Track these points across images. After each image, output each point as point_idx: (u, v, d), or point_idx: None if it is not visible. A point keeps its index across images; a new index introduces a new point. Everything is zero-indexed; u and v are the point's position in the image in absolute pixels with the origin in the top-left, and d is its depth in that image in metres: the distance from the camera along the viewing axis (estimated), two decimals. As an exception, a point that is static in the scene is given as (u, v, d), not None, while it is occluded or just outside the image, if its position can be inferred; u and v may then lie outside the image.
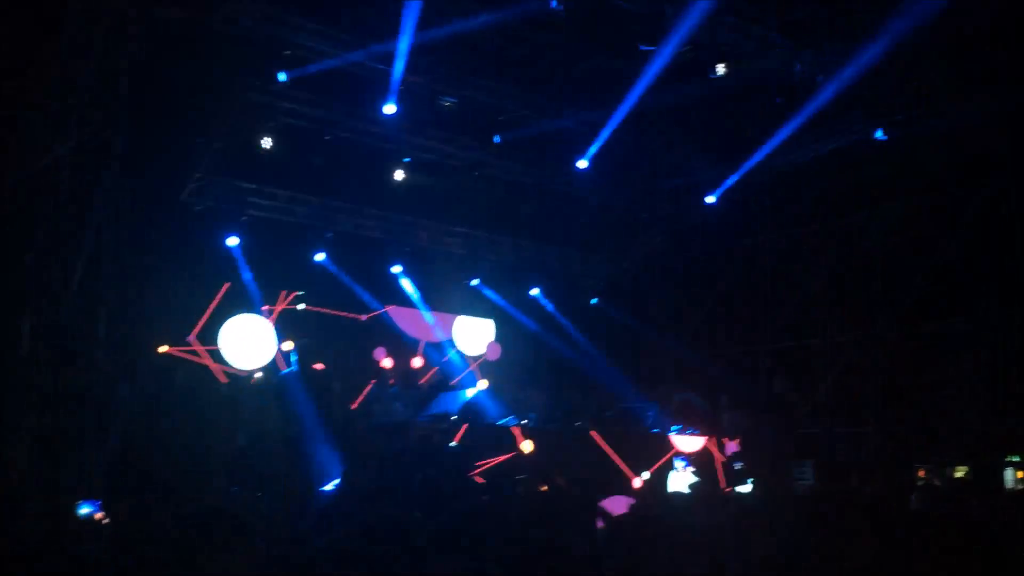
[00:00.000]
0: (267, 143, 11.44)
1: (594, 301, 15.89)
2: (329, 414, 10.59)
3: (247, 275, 12.30)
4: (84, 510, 6.87)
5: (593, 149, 12.11)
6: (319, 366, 11.99)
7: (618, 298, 15.73)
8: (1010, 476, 11.06)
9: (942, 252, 12.11)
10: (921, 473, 11.50)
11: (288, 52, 10.16)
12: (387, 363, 13.02)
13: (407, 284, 14.29)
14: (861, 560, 3.18)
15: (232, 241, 12.25)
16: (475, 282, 14.90)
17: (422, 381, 13.15)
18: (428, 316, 14.43)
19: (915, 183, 12.25)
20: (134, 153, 9.24)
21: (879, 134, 11.64)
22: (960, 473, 11.50)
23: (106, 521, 6.45)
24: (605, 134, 11.71)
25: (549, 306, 15.43)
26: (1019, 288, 11.40)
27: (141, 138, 9.42)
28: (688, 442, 12.05)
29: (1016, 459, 11.27)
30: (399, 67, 10.15)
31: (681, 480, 10.71)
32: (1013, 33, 9.77)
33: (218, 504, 6.10)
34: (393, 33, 9.68)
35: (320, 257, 13.31)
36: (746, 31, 10.04)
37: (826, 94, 10.57)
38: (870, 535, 3.32)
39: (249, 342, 11.86)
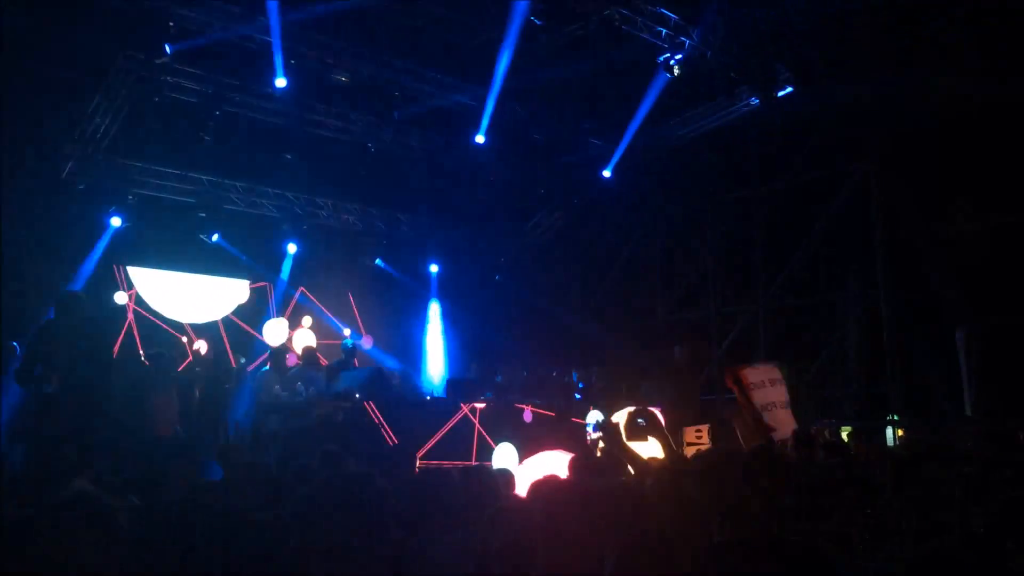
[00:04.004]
0: (154, 120, 11.04)
1: (497, 278, 15.93)
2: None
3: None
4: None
5: (486, 123, 12.08)
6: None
7: (520, 274, 15.82)
8: (890, 435, 11.63)
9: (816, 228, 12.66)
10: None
11: (173, 24, 9.84)
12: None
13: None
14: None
15: (115, 221, 11.90)
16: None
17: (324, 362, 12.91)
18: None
19: (795, 161, 12.77)
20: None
21: (755, 100, 12.08)
22: (845, 432, 12.04)
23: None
24: (490, 107, 11.70)
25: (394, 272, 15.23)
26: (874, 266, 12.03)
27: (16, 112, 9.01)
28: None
29: (895, 418, 11.87)
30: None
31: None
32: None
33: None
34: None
35: (215, 237, 12.96)
36: (637, 7, 10.22)
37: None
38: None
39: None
